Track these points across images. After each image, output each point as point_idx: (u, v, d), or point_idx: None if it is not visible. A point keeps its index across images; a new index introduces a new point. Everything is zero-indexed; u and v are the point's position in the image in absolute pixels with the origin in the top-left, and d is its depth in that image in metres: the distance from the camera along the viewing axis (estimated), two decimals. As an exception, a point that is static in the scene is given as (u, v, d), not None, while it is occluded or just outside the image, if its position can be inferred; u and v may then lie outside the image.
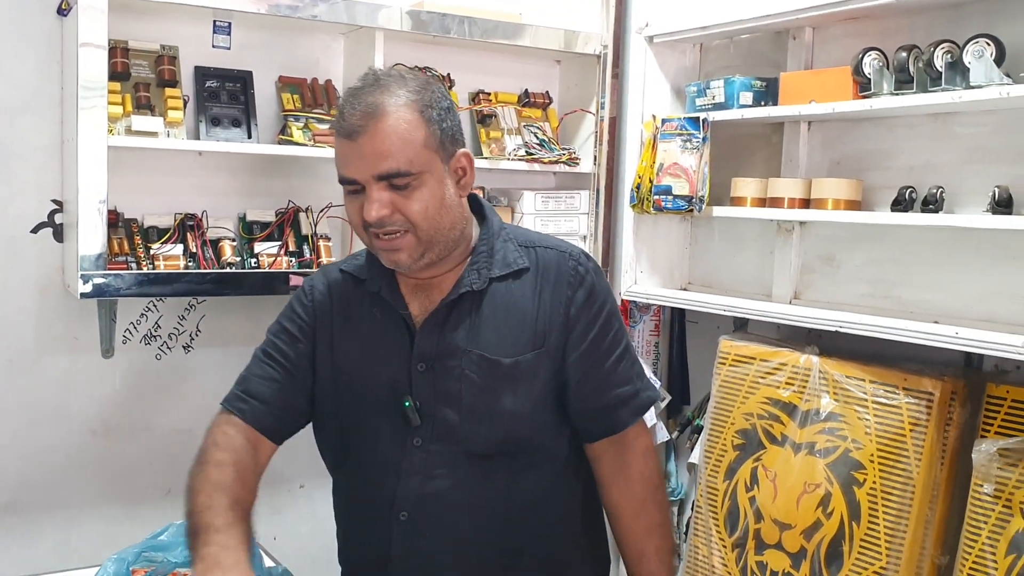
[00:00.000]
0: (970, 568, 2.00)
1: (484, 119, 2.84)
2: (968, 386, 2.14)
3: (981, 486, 2.00)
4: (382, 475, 1.60)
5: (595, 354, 1.62)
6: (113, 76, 2.28)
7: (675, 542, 1.75)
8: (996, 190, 2.08)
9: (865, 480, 2.18)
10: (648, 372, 2.65)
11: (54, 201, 2.38)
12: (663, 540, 1.67)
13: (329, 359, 1.67)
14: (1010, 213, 2.07)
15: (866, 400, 2.20)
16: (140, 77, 2.38)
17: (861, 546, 2.17)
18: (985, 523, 1.99)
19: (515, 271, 1.61)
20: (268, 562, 1.95)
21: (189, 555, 1.44)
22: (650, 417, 2.73)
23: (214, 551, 1.38)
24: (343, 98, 1.54)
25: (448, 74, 2.79)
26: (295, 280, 2.42)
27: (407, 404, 1.57)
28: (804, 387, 2.32)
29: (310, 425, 1.75)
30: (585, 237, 2.91)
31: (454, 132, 1.56)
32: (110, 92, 2.22)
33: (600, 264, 2.73)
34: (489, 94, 2.87)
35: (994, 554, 1.96)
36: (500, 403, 1.56)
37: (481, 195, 1.78)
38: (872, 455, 2.17)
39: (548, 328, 1.59)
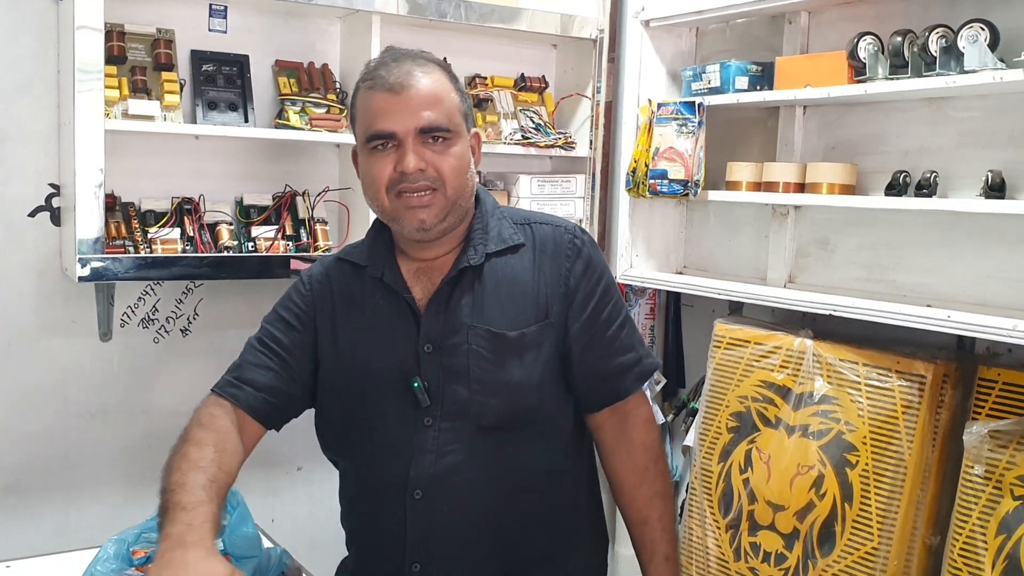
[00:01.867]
0: (960, 548, 2.02)
1: (480, 103, 2.85)
2: (960, 369, 2.16)
3: (972, 467, 2.02)
4: (393, 457, 1.61)
5: (597, 323, 1.66)
6: (109, 60, 2.29)
7: (677, 510, 1.77)
8: (989, 174, 2.09)
9: (858, 462, 2.20)
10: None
11: (51, 185, 2.39)
12: (666, 507, 1.71)
13: (332, 346, 1.68)
14: (1003, 197, 2.09)
15: (859, 383, 2.22)
16: (136, 61, 2.39)
17: (853, 527, 2.20)
18: (976, 504, 2.01)
19: (512, 246, 1.64)
20: (266, 543, 1.97)
21: (157, 533, 1.43)
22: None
23: (179, 529, 1.36)
24: (375, 65, 1.59)
25: (444, 58, 2.75)
26: (296, 264, 2.43)
27: (416, 385, 1.58)
28: (798, 370, 2.33)
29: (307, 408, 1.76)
30: (581, 221, 2.92)
31: (471, 111, 1.65)
32: (107, 76, 2.23)
33: (596, 248, 2.74)
34: (485, 78, 2.88)
35: (984, 534, 1.98)
36: (509, 375, 1.59)
37: (479, 178, 1.81)
38: (865, 437, 2.19)
39: (550, 300, 1.62)
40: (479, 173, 2.78)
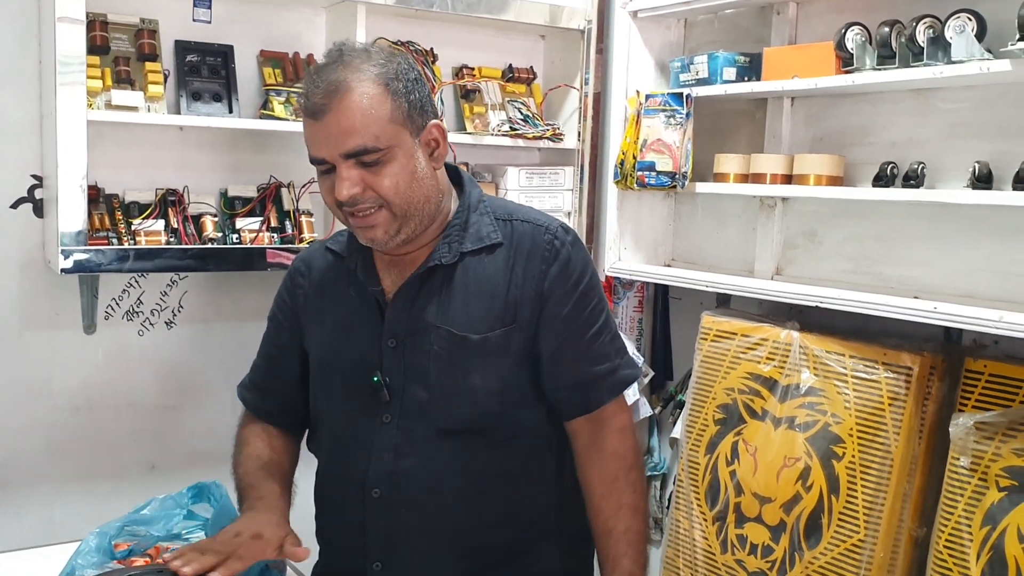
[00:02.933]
0: (946, 540, 2.02)
1: (468, 94, 2.83)
2: (947, 361, 2.16)
3: (958, 459, 2.02)
4: (354, 452, 1.60)
5: (569, 330, 1.59)
6: (92, 50, 2.27)
7: (648, 525, 1.72)
8: (976, 165, 2.09)
9: (844, 454, 2.19)
10: (631, 348, 2.67)
11: (34, 176, 2.37)
12: (633, 521, 1.62)
13: (315, 337, 1.68)
14: (990, 188, 2.09)
15: (846, 375, 2.22)
16: (120, 51, 2.36)
17: (840, 519, 2.20)
18: (961, 496, 2.01)
19: (488, 246, 1.59)
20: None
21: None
22: (633, 392, 2.74)
23: (251, 503, 1.60)
24: (307, 77, 1.52)
25: (431, 48, 2.78)
26: (273, 256, 2.42)
27: (376, 380, 1.56)
28: (785, 362, 2.33)
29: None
30: (569, 213, 2.91)
31: (423, 104, 1.53)
32: (89, 66, 2.20)
33: (584, 240, 2.72)
34: (473, 69, 2.86)
35: (970, 526, 1.98)
36: (469, 379, 1.55)
37: (465, 169, 1.77)
38: (851, 429, 2.19)
39: (519, 303, 1.56)
40: (466, 164, 2.77)
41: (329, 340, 1.65)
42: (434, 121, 1.55)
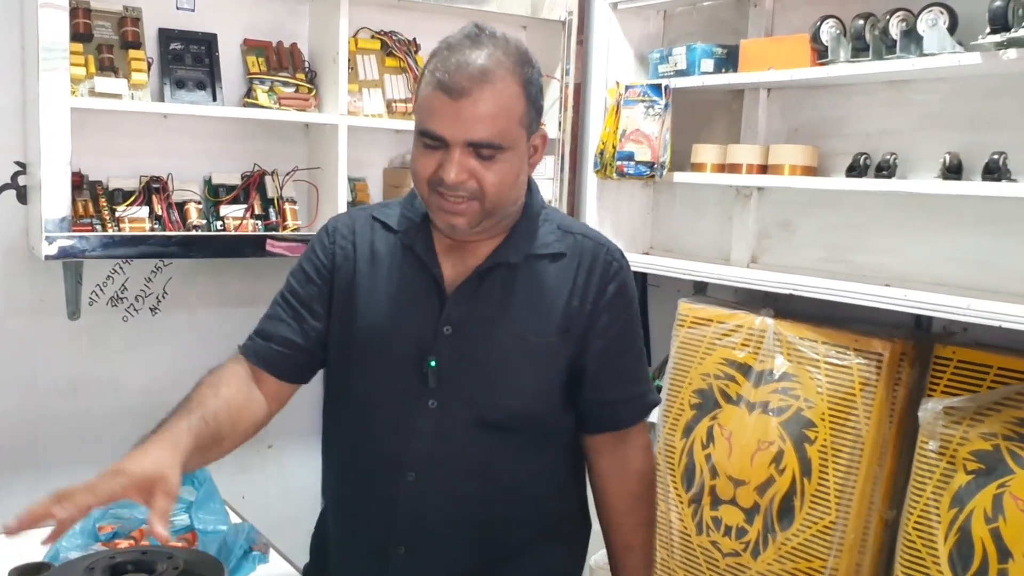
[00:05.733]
0: (915, 522, 2.07)
1: (449, 84, 2.85)
2: (917, 347, 2.20)
3: (927, 443, 2.07)
4: (391, 433, 1.58)
5: (615, 348, 1.63)
6: (75, 37, 2.28)
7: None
8: (947, 156, 2.13)
9: (816, 438, 2.24)
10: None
11: (17, 163, 2.38)
12: (649, 535, 1.71)
13: (348, 304, 1.62)
14: (960, 179, 2.13)
15: (818, 361, 2.27)
16: (103, 39, 2.38)
17: (812, 501, 2.25)
18: (930, 479, 2.06)
19: (552, 254, 1.60)
20: (234, 518, 1.99)
21: None
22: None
23: (153, 437, 1.37)
24: (445, 48, 1.46)
25: (414, 39, 2.80)
26: (272, 245, 2.44)
27: (433, 364, 1.54)
28: (759, 348, 2.38)
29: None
30: (550, 202, 2.94)
31: (541, 110, 1.54)
32: (73, 54, 2.22)
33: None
34: (455, 59, 2.88)
35: (938, 508, 2.03)
36: (521, 378, 1.57)
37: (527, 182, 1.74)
38: (823, 414, 2.23)
39: (576, 314, 1.59)
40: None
41: (382, 314, 1.59)
42: (542, 128, 1.56)
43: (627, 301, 1.64)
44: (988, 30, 1.94)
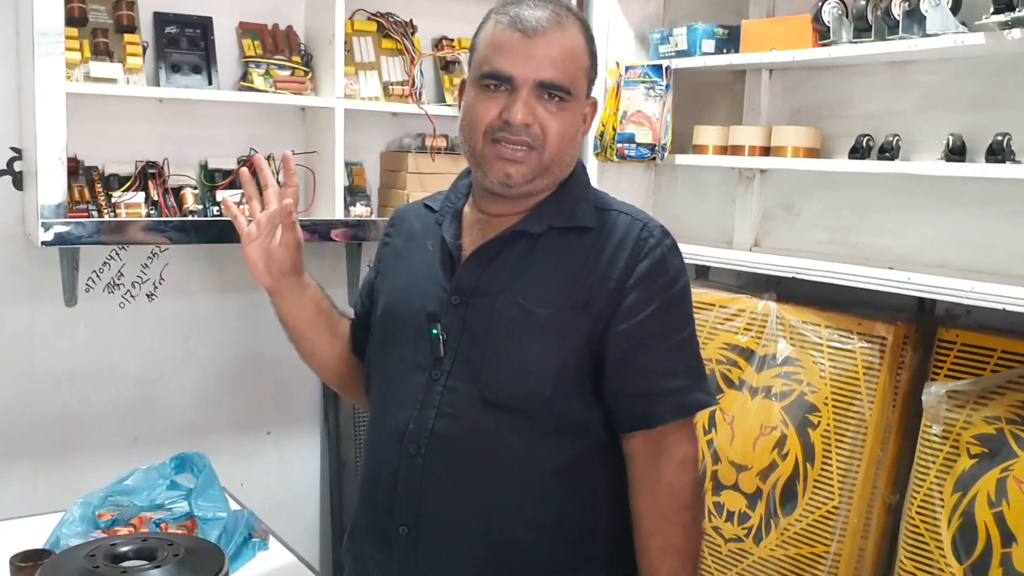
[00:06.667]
0: (919, 506, 2.06)
1: (447, 66, 2.83)
2: (920, 330, 2.19)
3: (930, 427, 2.06)
4: (400, 406, 1.53)
5: (644, 332, 1.45)
6: (70, 21, 2.25)
7: (698, 572, 1.50)
8: (951, 138, 2.11)
9: (819, 422, 2.23)
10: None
11: (13, 149, 2.36)
12: (681, 567, 1.45)
13: (386, 286, 1.64)
14: (963, 160, 2.11)
15: (821, 344, 2.25)
16: (98, 23, 2.35)
17: (815, 486, 2.24)
18: (934, 463, 2.05)
19: (579, 227, 1.50)
20: (234, 505, 1.98)
21: None
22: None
23: None
24: (510, 1, 1.47)
25: (411, 20, 2.77)
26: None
27: (434, 332, 1.48)
28: (762, 332, 2.36)
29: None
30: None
31: (595, 77, 1.52)
32: (67, 38, 2.19)
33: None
34: (452, 40, 2.86)
35: (941, 492, 2.03)
36: (526, 353, 1.45)
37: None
38: (826, 398, 2.22)
39: (595, 289, 1.46)
40: (445, 137, 2.76)
41: (399, 288, 1.59)
42: (594, 97, 1.55)
43: (665, 283, 1.47)
44: (992, 10, 1.92)
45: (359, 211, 2.65)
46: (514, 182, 1.46)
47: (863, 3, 2.20)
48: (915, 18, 2.09)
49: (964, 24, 2.03)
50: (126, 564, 1.34)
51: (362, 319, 1.69)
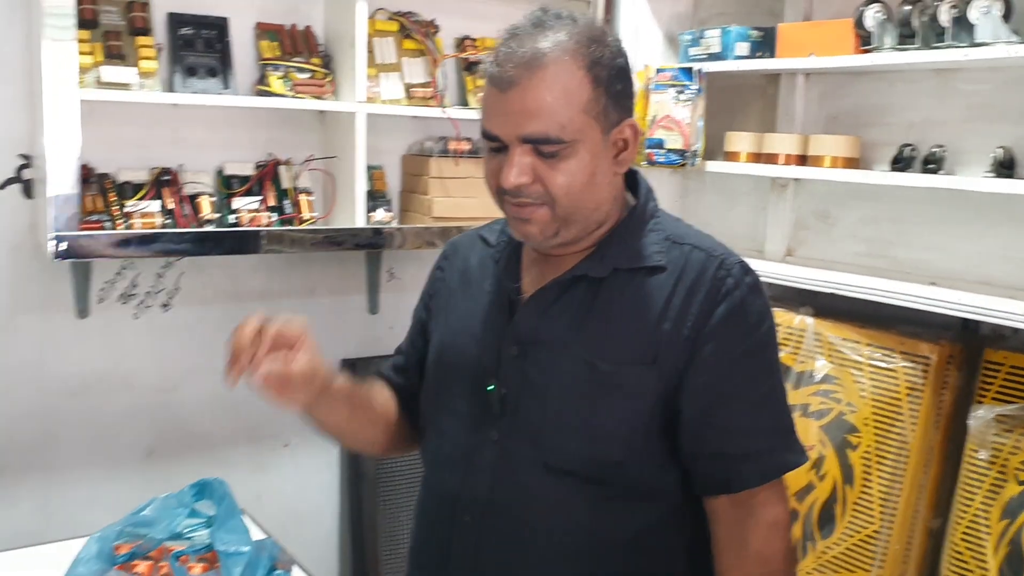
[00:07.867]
0: (963, 532, 1.99)
1: (471, 66, 2.75)
2: (965, 350, 2.12)
3: (976, 451, 1.99)
4: (452, 466, 1.41)
5: (723, 387, 1.31)
6: (82, 24, 2.17)
7: None
8: (1000, 151, 2.03)
9: (859, 443, 2.16)
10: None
11: (22, 156, 2.28)
12: None
13: (439, 328, 1.50)
14: (1012, 175, 2.03)
15: (861, 363, 2.18)
16: (110, 25, 2.27)
17: (854, 509, 2.17)
18: (979, 488, 1.98)
19: (648, 267, 1.34)
20: (256, 533, 1.92)
21: None
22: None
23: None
24: (507, 35, 1.31)
25: (433, 20, 2.69)
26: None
27: (491, 389, 1.36)
28: (799, 348, 2.29)
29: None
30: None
31: (624, 98, 1.33)
32: (79, 41, 2.11)
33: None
34: (475, 40, 2.77)
35: (987, 519, 1.96)
36: (591, 415, 1.31)
37: (642, 175, 1.48)
38: (867, 418, 2.15)
39: (666, 342, 1.31)
40: (469, 140, 2.68)
41: (452, 332, 1.47)
42: (630, 120, 1.34)
43: (746, 329, 1.32)
44: (1049, 19, 1.83)
45: (380, 216, 2.57)
46: (535, 240, 1.34)
47: (908, 9, 2.11)
48: (963, 26, 2.01)
49: (1016, 33, 1.94)
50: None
51: (416, 363, 1.54)
